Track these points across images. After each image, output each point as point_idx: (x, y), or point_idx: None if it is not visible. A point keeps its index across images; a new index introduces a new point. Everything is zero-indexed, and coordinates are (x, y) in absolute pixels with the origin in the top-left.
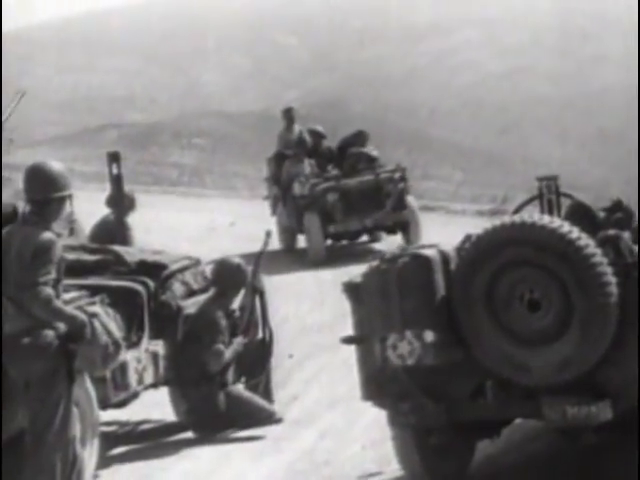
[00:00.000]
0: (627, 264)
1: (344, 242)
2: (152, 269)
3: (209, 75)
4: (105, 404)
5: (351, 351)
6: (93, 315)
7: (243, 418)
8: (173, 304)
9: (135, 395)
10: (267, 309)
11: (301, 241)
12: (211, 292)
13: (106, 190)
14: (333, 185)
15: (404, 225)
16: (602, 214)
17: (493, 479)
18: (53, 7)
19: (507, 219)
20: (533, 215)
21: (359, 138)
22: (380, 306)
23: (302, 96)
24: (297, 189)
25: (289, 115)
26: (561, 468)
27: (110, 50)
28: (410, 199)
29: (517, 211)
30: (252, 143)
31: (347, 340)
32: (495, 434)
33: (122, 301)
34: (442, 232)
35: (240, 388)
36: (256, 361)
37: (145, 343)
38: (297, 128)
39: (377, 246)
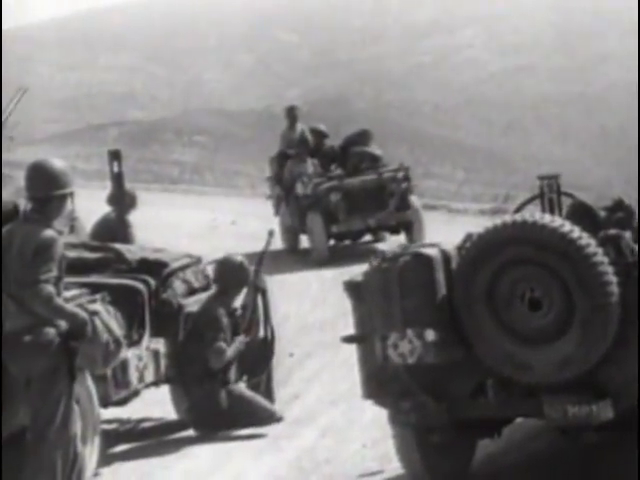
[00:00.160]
0: (628, 263)
1: (347, 242)
2: (153, 267)
3: (211, 73)
4: (106, 402)
5: (352, 350)
6: (94, 313)
7: (244, 417)
8: (174, 302)
9: (136, 393)
10: (269, 308)
11: (304, 241)
12: (213, 290)
13: (107, 188)
14: (336, 185)
15: (407, 225)
16: (603, 213)
17: (494, 478)
18: (54, 5)
19: (508, 218)
20: (534, 214)
21: (363, 137)
22: (381, 305)
23: (304, 94)
24: (300, 189)
25: (292, 114)
26: (562, 467)
27: (111, 48)
28: (413, 199)
29: (518, 210)
30: (253, 141)
31: (348, 339)
32: (496, 433)
33: (123, 299)
34: (444, 231)
35: (242, 387)
36: (258, 360)
37: (146, 341)
38: (300, 127)
39: (381, 246)
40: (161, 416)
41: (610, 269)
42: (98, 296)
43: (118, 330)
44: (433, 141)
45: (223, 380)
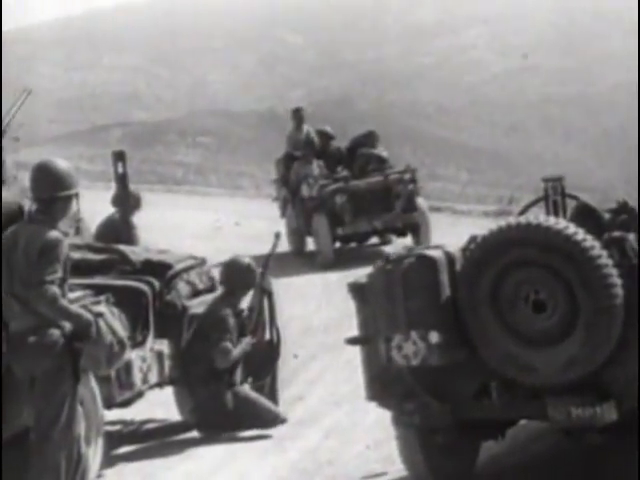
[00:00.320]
0: (632, 265)
1: (353, 245)
2: (157, 269)
3: (215, 74)
4: (110, 403)
5: (356, 351)
6: (98, 314)
7: (249, 419)
8: (178, 304)
9: (140, 394)
10: (275, 310)
11: (310, 243)
12: (220, 291)
13: (111, 189)
14: (342, 186)
15: (414, 227)
16: (607, 215)
17: (497, 479)
18: (58, 5)
19: (513, 220)
20: (539, 216)
21: (369, 139)
22: (385, 306)
23: (308, 95)
24: (305, 191)
25: (298, 115)
26: (565, 468)
27: (115, 48)
28: (420, 201)
29: (523, 212)
30: (257, 142)
31: (352, 340)
32: (500, 434)
33: (127, 300)
34: (448, 233)
35: (247, 389)
36: (263, 362)
37: (150, 342)
38: (306, 128)
39: (387, 249)
40: (165, 417)
41: (614, 271)
42: (102, 297)
43: (122, 331)
44: (437, 142)
45: (229, 382)
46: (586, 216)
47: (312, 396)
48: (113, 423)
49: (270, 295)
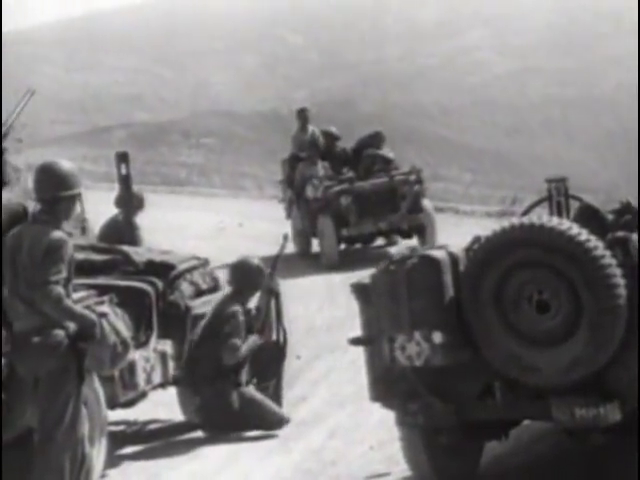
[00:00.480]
0: (635, 265)
1: (358, 246)
2: (160, 269)
3: (218, 75)
4: (113, 403)
5: (359, 352)
6: (102, 315)
7: (254, 420)
8: (181, 304)
9: (143, 395)
10: (282, 312)
11: (316, 244)
12: (227, 291)
13: (115, 190)
14: (347, 188)
15: (420, 228)
16: (611, 216)
17: (501, 479)
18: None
19: (516, 220)
20: (542, 217)
21: (375, 139)
22: (389, 307)
23: (311, 96)
24: (310, 192)
25: (303, 115)
26: (569, 469)
27: (118, 49)
28: (426, 202)
29: (526, 213)
30: (260, 143)
31: (355, 341)
32: (503, 435)
33: (130, 301)
34: (451, 233)
35: (252, 390)
36: (269, 363)
37: (153, 343)
38: (311, 129)
39: (392, 250)
40: (168, 418)
41: (618, 271)
42: (105, 298)
43: (125, 332)
44: (440, 143)
45: (235, 381)
46: (589, 217)
47: (316, 396)
48: (117, 423)
49: (278, 296)
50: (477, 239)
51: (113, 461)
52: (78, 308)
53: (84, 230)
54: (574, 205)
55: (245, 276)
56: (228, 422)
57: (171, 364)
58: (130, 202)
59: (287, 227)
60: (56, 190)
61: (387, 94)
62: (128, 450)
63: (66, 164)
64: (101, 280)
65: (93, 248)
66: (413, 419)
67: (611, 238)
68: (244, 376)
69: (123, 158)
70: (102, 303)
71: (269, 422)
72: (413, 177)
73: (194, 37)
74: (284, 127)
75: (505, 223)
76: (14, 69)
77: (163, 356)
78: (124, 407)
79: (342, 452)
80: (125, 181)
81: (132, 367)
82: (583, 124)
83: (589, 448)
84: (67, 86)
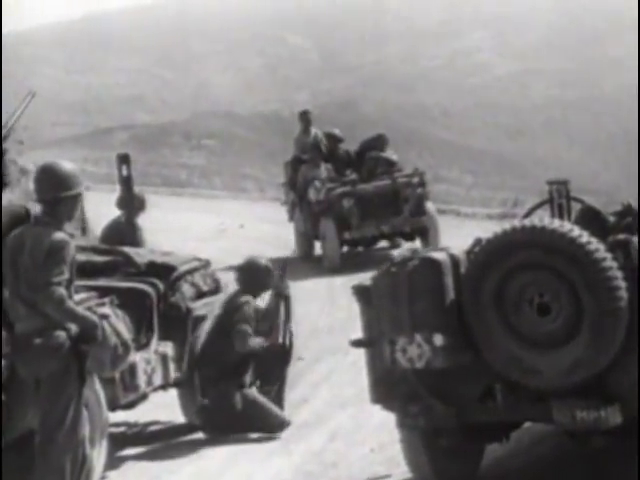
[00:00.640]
0: (636, 268)
1: (361, 249)
2: (161, 270)
3: (219, 76)
4: (114, 405)
5: (360, 354)
6: (104, 317)
7: (256, 422)
8: (182, 305)
9: (144, 396)
10: (291, 315)
11: (318, 247)
12: (235, 289)
13: (116, 191)
14: (349, 190)
15: (423, 231)
16: (612, 218)
17: None
18: (62, 7)
19: (517, 223)
20: (543, 219)
21: (379, 142)
22: (390, 309)
23: (313, 97)
24: (312, 194)
25: (305, 117)
26: (569, 471)
27: (120, 51)
28: (429, 204)
29: (527, 215)
30: (262, 144)
31: (356, 343)
32: (504, 437)
33: (131, 302)
34: (452, 235)
35: (255, 392)
36: (273, 367)
37: (154, 345)
38: (313, 131)
39: (395, 253)
40: (169, 419)
41: (619, 274)
42: (106, 299)
43: (126, 333)
44: (441, 145)
45: (238, 383)
46: (591, 219)
47: (317, 398)
48: (117, 425)
49: (287, 299)
50: (478, 241)
51: (114, 463)
52: (80, 310)
53: (84, 231)
54: (575, 207)
55: (253, 276)
56: (229, 424)
57: (172, 366)
58: (131, 203)
59: (288, 229)
60: (56, 191)
61: (388, 96)
62: (129, 452)
63: (67, 165)
64: (102, 282)
65: (94, 249)
66: (414, 421)
67: (612, 240)
68: (248, 378)
69: (124, 160)
70: (103, 305)
71: (271, 425)
72: (416, 179)
73: (195, 39)
74: (285, 129)
75: (506, 225)
76: (15, 71)
77: (164, 358)
78: (125, 409)
79: (343, 454)
80: (126, 183)
81: (133, 369)
82: (585, 126)
83: (590, 450)
84: (68, 88)
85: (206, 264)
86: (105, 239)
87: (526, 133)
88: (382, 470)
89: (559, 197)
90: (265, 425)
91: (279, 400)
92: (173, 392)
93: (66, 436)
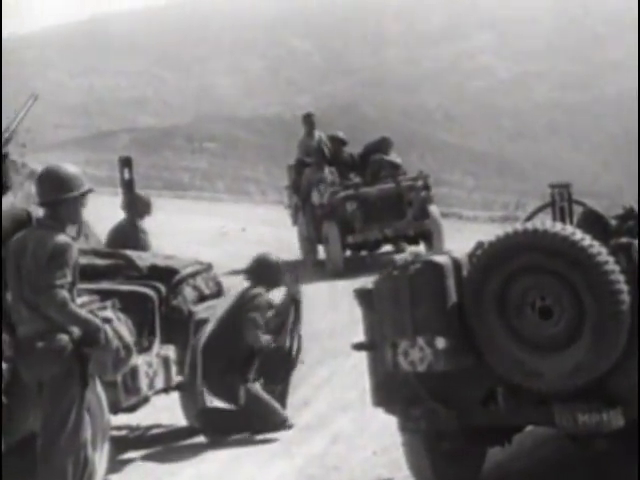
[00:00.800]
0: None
1: (364, 253)
2: (163, 274)
3: (222, 79)
4: (116, 408)
5: (362, 357)
6: (107, 320)
7: (257, 418)
8: (184, 309)
9: (146, 399)
10: (300, 320)
11: (322, 251)
12: (248, 285)
13: (118, 194)
14: (352, 193)
15: (426, 235)
16: (614, 222)
17: None
18: (66, 10)
19: (519, 226)
20: (545, 222)
21: (383, 145)
22: (392, 312)
23: (315, 100)
24: (315, 198)
25: (309, 120)
26: (571, 474)
27: (122, 53)
28: (433, 208)
29: (529, 218)
30: (264, 148)
31: (358, 346)
32: (506, 440)
33: (133, 306)
34: (454, 238)
35: (259, 388)
36: (278, 369)
37: (156, 348)
38: (317, 134)
39: (398, 257)
40: (171, 422)
41: (621, 277)
42: (108, 303)
43: (128, 337)
44: (443, 148)
45: (244, 377)
46: (593, 222)
47: (319, 401)
48: (119, 428)
49: (297, 304)
50: (480, 244)
51: (115, 466)
52: (83, 313)
53: (79, 233)
54: (577, 210)
55: (264, 272)
56: (229, 425)
57: (174, 369)
58: (134, 206)
59: (290, 232)
60: (57, 193)
61: (390, 98)
62: (130, 455)
63: (69, 167)
64: (104, 285)
65: (96, 252)
66: (416, 424)
67: (614, 244)
68: (252, 374)
69: (126, 163)
70: (105, 308)
71: (272, 422)
72: (420, 183)
73: (198, 41)
74: (288, 132)
75: (508, 228)
76: (18, 73)
77: (166, 361)
78: (126, 412)
79: (345, 457)
80: (128, 186)
81: (135, 372)
82: (587, 128)
83: (592, 453)
84: (71, 90)
85: (208, 267)
86: (112, 242)
87: (528, 136)
88: (384, 473)
89: (561, 200)
90: (266, 422)
91: (282, 403)
92: (175, 395)
93: (68, 439)
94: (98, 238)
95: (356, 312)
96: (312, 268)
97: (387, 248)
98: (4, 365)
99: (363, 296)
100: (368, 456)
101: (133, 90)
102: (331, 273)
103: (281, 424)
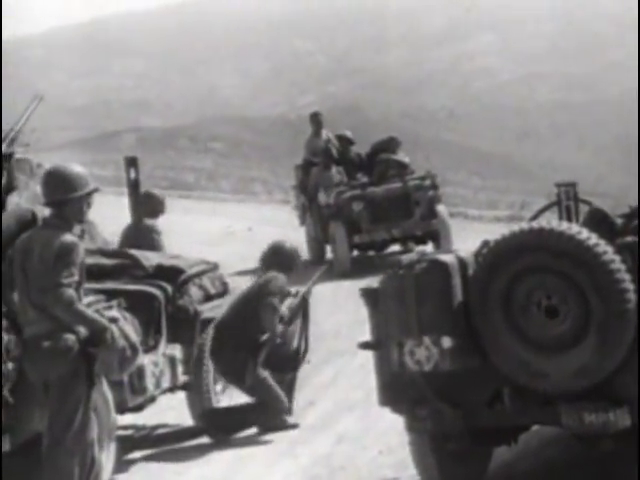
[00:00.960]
0: None
1: (371, 253)
2: (169, 273)
3: (226, 80)
4: (122, 408)
5: (368, 356)
6: (113, 320)
7: (260, 406)
8: (190, 308)
9: (152, 399)
10: (308, 322)
11: (330, 252)
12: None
13: (123, 194)
14: (359, 193)
15: (434, 235)
16: (620, 221)
17: None
18: (70, 12)
19: (525, 225)
20: (551, 221)
21: (390, 144)
22: (397, 312)
23: (318, 101)
24: (322, 198)
25: (316, 120)
26: (578, 474)
27: (127, 54)
28: (440, 208)
29: (535, 217)
30: (269, 148)
31: (364, 345)
32: (512, 440)
33: (139, 305)
34: (460, 238)
35: (267, 374)
36: (283, 367)
37: (162, 347)
38: (325, 134)
39: (404, 257)
40: (177, 422)
41: (627, 276)
42: (114, 302)
43: (134, 336)
44: (448, 148)
45: (254, 360)
46: (599, 221)
47: (324, 401)
48: (125, 428)
49: (306, 304)
50: (486, 244)
51: (121, 466)
52: (90, 312)
53: (83, 232)
54: (583, 209)
55: (278, 259)
56: (232, 423)
57: (180, 368)
58: (141, 207)
59: (297, 232)
60: (63, 193)
61: (395, 99)
62: (136, 455)
63: (74, 167)
64: (110, 284)
65: (102, 252)
66: (422, 424)
67: (620, 243)
68: (262, 357)
69: (132, 163)
70: (111, 307)
71: (274, 408)
72: (428, 182)
73: (202, 42)
74: (292, 132)
75: (514, 228)
76: (23, 75)
77: (172, 360)
78: (133, 412)
79: (351, 457)
80: (134, 186)
81: (141, 372)
82: (591, 128)
83: (599, 453)
84: (75, 91)
85: (214, 267)
86: (123, 242)
87: (533, 136)
88: (390, 473)
89: (567, 199)
90: (269, 410)
91: (288, 402)
92: (181, 395)
93: (74, 439)
94: (104, 237)
95: (362, 312)
96: (318, 268)
97: (395, 248)
98: (10, 365)
99: (369, 295)
100: (374, 456)
101: (138, 91)
102: (338, 274)
103: (283, 411)
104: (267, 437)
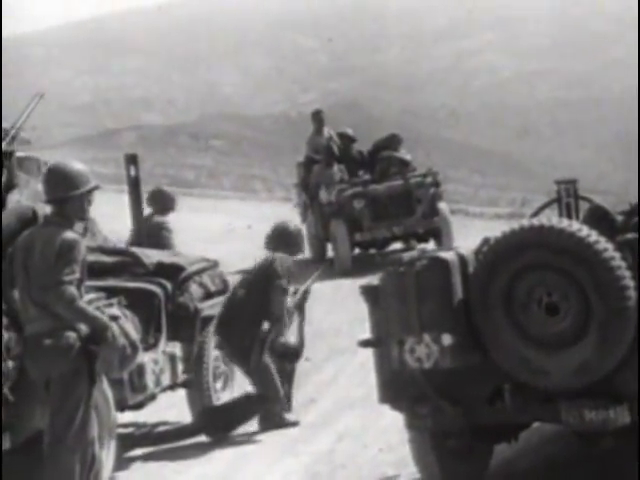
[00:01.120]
0: None
1: (373, 251)
2: (170, 271)
3: (227, 77)
4: (122, 406)
5: (368, 354)
6: (114, 318)
7: (257, 392)
8: (191, 306)
9: (152, 397)
10: (304, 322)
11: (331, 250)
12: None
13: (124, 192)
14: (360, 191)
15: (436, 232)
16: (620, 218)
17: None
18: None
19: (526, 222)
20: (552, 218)
21: (392, 142)
22: (398, 309)
23: (320, 98)
24: (323, 195)
25: (318, 118)
26: (578, 471)
27: (128, 52)
28: (442, 205)
29: (535, 214)
30: (270, 145)
31: (365, 343)
32: (513, 438)
33: (139, 303)
34: (461, 235)
35: (271, 362)
36: (284, 352)
37: (162, 345)
38: (326, 131)
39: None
40: (177, 420)
41: (628, 273)
42: (114, 300)
43: (135, 334)
44: (449, 145)
45: (261, 345)
46: (599, 218)
47: (325, 399)
48: (125, 426)
49: (302, 307)
50: (486, 241)
51: (122, 463)
52: (91, 309)
53: (86, 230)
54: (584, 207)
55: (283, 240)
56: (230, 419)
57: (180, 366)
58: (140, 204)
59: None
60: (64, 190)
61: (396, 96)
62: (137, 452)
63: (75, 164)
64: (110, 282)
65: (102, 250)
66: (422, 422)
67: (621, 240)
68: (269, 341)
69: (132, 160)
70: (111, 305)
71: (270, 397)
72: (429, 180)
73: (203, 40)
74: (293, 129)
75: (514, 225)
76: (25, 72)
77: (172, 358)
78: (133, 409)
79: (351, 455)
80: (134, 183)
81: (141, 369)
82: (591, 126)
83: (599, 450)
84: (76, 89)
85: (214, 264)
86: (134, 240)
87: (533, 133)
88: (391, 471)
89: (567, 196)
90: (266, 397)
91: (287, 400)
92: (181, 392)
93: (75, 437)
94: (104, 235)
95: (363, 310)
96: (319, 266)
97: (396, 246)
98: (11, 363)
99: (369, 292)
100: (375, 453)
101: (139, 89)
102: (339, 272)
103: (278, 400)
104: (268, 435)
